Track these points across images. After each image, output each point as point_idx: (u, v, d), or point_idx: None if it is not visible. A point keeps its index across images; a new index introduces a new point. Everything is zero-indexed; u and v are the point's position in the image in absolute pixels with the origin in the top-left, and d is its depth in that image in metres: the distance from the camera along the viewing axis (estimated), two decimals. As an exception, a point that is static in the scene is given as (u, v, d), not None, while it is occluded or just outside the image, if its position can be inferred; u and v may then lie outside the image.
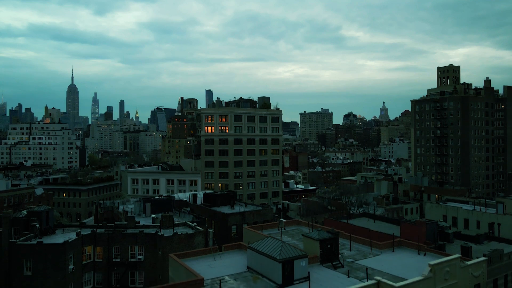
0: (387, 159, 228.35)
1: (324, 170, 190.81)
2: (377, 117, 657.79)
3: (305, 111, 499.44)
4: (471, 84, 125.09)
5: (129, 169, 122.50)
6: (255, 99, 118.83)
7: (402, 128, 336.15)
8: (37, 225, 44.74)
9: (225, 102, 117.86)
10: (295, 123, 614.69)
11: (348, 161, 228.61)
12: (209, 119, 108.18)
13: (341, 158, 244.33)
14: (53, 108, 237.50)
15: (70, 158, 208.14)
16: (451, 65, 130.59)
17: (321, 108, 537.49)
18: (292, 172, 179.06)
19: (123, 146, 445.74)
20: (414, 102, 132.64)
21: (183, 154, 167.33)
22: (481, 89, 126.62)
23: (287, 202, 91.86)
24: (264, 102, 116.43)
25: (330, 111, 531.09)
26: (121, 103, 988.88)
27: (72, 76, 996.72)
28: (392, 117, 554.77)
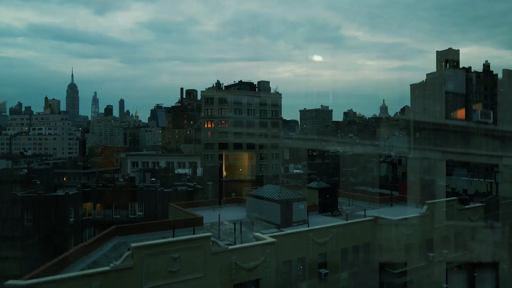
0: (386, 152, 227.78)
1: (324, 162, 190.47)
2: (377, 115, 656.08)
3: (305, 108, 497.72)
4: (470, 67, 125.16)
5: (129, 153, 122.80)
6: (255, 83, 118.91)
7: (402, 123, 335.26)
8: (38, 182, 44.98)
9: (224, 85, 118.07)
10: (295, 121, 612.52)
11: (348, 153, 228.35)
12: (209, 101, 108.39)
13: (340, 151, 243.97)
14: (53, 99, 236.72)
15: (70, 148, 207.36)
16: (450, 48, 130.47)
17: (321, 105, 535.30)
18: (292, 164, 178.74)
19: (123, 142, 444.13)
20: (413, 86, 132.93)
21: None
22: (480, 72, 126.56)
23: (286, 179, 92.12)
24: (264, 85, 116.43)
25: (330, 108, 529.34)
26: (121, 102, 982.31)
27: (72, 75, 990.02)
28: (392, 115, 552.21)
